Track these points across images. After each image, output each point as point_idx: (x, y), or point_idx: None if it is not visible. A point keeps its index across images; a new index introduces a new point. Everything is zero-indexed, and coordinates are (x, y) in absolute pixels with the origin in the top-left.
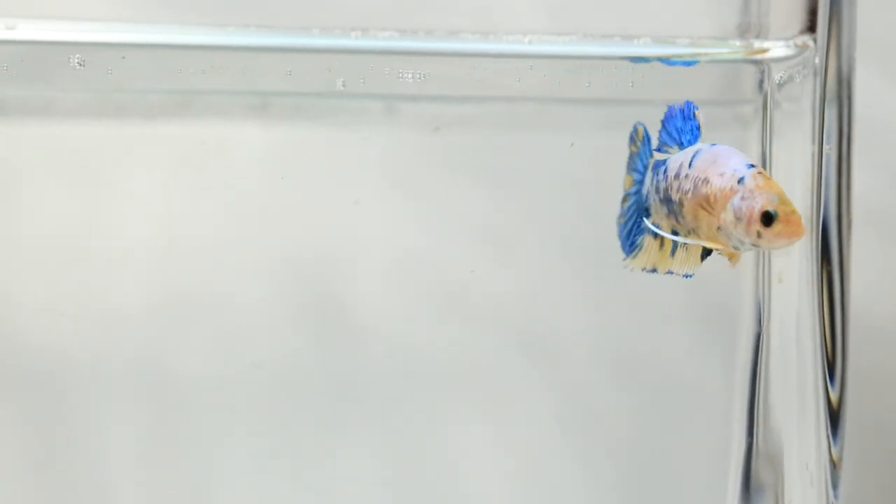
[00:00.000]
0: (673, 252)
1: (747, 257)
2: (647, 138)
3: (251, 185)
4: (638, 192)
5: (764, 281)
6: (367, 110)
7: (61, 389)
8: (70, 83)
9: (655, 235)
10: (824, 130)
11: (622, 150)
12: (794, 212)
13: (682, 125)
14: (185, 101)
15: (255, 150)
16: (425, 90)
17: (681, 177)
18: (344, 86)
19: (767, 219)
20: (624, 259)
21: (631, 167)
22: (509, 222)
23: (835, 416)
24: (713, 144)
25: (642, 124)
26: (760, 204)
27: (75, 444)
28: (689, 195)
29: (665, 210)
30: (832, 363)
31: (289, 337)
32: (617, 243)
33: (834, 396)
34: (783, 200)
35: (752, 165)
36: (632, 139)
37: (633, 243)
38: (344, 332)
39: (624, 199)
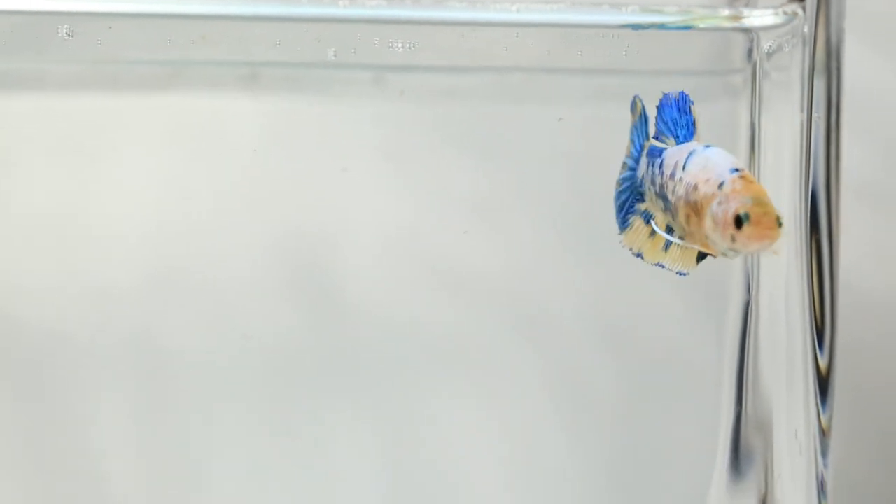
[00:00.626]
0: (666, 248)
1: None
2: (644, 116)
3: (242, 155)
4: (634, 169)
5: None
6: (357, 80)
7: (52, 365)
8: (59, 54)
9: (648, 222)
10: (813, 100)
11: (613, 121)
12: (766, 214)
13: (677, 117)
14: (175, 72)
15: (245, 120)
16: (415, 60)
17: (675, 178)
18: (335, 56)
19: (738, 222)
20: (619, 234)
21: (631, 138)
22: (500, 193)
23: (824, 384)
24: (707, 146)
25: (640, 98)
26: (733, 208)
27: (67, 420)
28: (682, 202)
29: (661, 205)
30: (821, 331)
31: (281, 309)
32: (607, 215)
33: (823, 364)
34: (759, 203)
35: (737, 169)
36: (632, 109)
37: (624, 220)
38: (335, 304)
39: (623, 167)
